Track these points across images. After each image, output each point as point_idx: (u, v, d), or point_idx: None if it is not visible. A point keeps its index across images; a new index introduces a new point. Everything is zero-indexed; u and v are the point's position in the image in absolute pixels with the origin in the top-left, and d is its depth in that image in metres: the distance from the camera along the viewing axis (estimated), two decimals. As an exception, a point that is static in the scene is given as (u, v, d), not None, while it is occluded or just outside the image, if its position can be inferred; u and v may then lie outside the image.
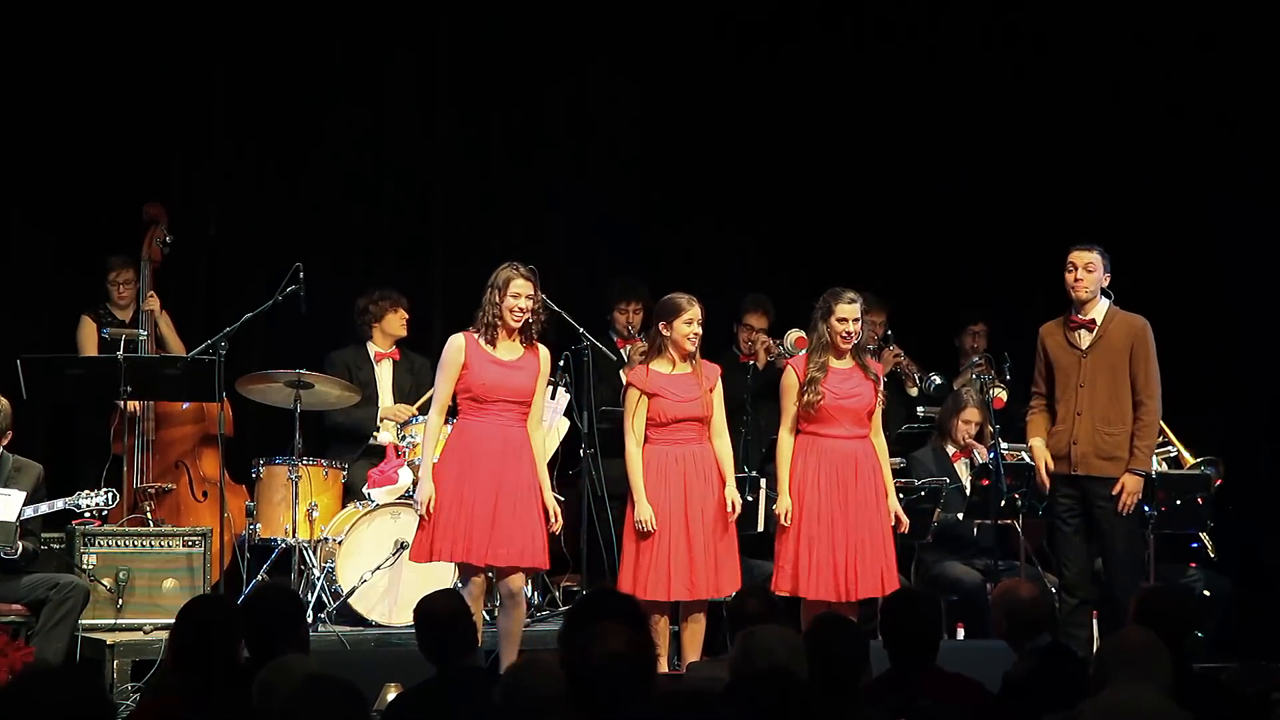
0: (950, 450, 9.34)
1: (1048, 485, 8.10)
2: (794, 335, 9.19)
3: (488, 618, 7.90)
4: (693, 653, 7.73)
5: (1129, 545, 8.05)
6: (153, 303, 9.28)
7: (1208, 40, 10.34)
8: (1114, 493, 7.94)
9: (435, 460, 7.55)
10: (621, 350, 9.67)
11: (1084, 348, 8.08)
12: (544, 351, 7.63)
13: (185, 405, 9.14)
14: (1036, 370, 8.21)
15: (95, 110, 9.71)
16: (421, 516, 7.43)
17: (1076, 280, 8.05)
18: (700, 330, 7.79)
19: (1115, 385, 8.04)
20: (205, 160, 10.02)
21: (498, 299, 7.47)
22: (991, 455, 8.66)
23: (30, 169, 9.65)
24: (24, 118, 9.61)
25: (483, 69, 10.56)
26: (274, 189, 10.21)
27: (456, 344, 7.51)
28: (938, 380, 9.84)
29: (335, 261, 10.01)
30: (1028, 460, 8.37)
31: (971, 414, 9.30)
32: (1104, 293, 8.09)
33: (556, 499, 7.69)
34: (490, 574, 7.51)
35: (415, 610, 5.60)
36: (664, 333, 7.80)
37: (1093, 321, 8.08)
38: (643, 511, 7.66)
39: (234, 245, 10.05)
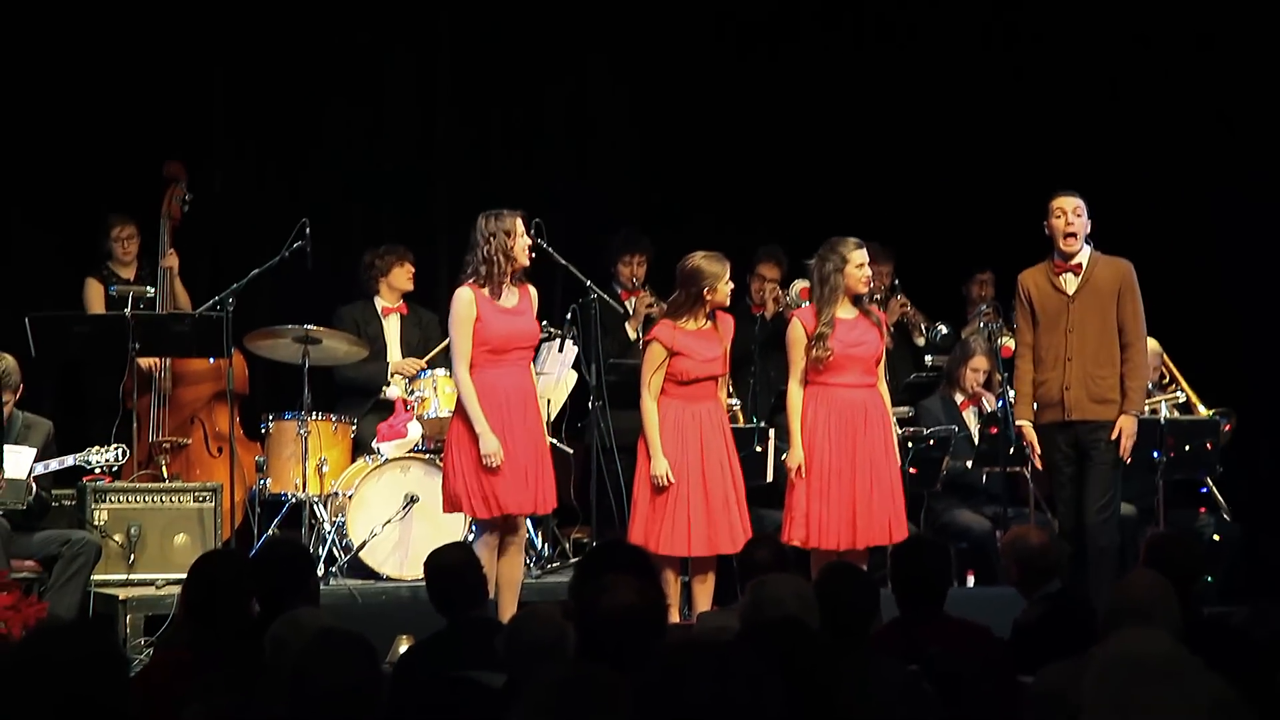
0: (959, 399, 9.34)
1: (1039, 462, 8.11)
2: (799, 285, 9.18)
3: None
4: (703, 604, 7.75)
5: (1112, 484, 8.03)
6: (171, 260, 9.29)
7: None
8: (1112, 437, 7.94)
9: (465, 417, 7.51)
10: (626, 303, 9.66)
11: (1070, 293, 8.06)
12: (531, 288, 7.69)
13: (211, 361, 9.14)
14: (1019, 316, 8.17)
15: (101, 93, 9.71)
16: (481, 470, 7.41)
17: (1068, 225, 8.04)
18: (730, 289, 7.81)
19: (1104, 329, 8.03)
20: (205, 159, 9.98)
21: (509, 243, 7.50)
22: (1000, 404, 8.65)
23: (34, 131, 9.64)
24: (29, 107, 9.60)
25: (483, 67, 10.54)
26: (274, 189, 10.18)
27: (466, 297, 7.52)
28: (944, 330, 9.83)
29: (340, 221, 10.01)
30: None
31: (979, 362, 9.30)
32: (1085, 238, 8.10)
33: (565, 449, 7.73)
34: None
35: (425, 563, 5.62)
36: (706, 298, 7.75)
37: (1079, 265, 8.07)
38: (659, 465, 7.67)
39: (241, 202, 10.05)
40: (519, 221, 7.56)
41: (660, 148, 10.83)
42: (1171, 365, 9.37)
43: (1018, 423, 8.14)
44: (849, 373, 7.82)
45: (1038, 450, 8.10)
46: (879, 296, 9.09)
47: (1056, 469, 8.10)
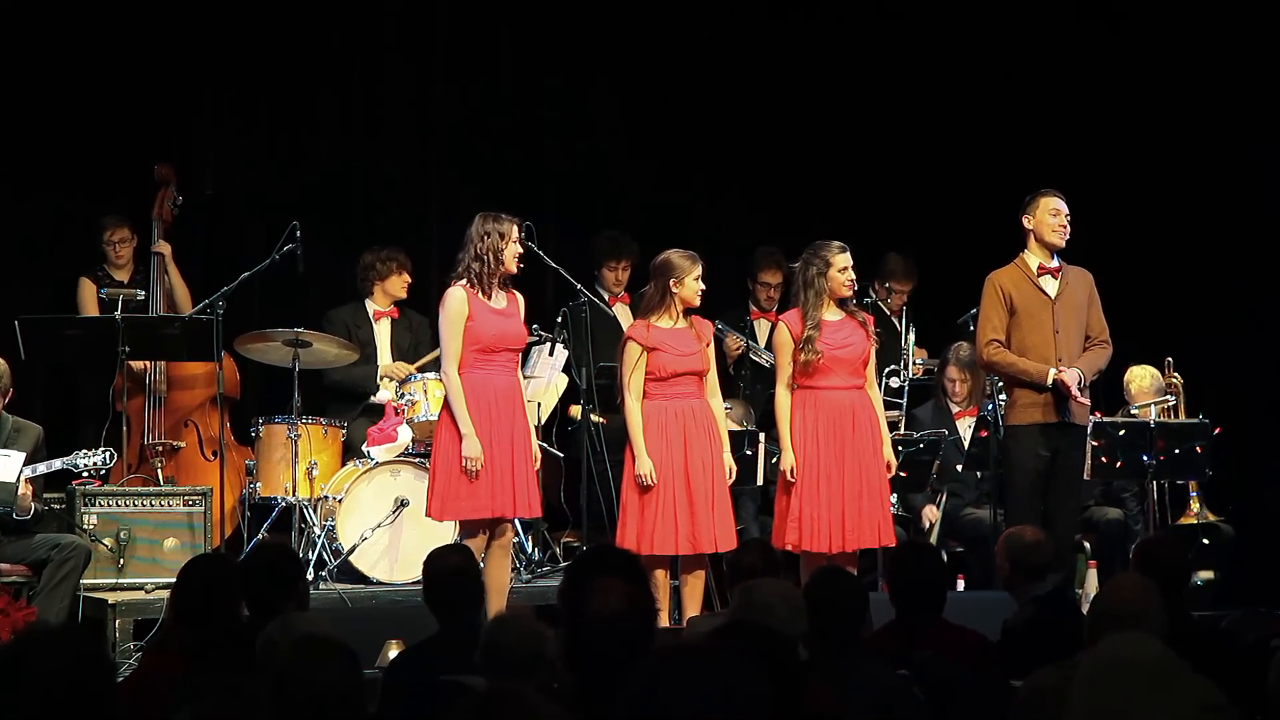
0: (953, 409, 9.35)
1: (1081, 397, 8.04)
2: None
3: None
4: (693, 607, 7.76)
5: (1079, 489, 8.20)
6: (164, 247, 9.28)
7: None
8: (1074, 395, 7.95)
9: (451, 416, 7.52)
10: (611, 308, 9.67)
11: (1052, 295, 8.09)
12: (519, 296, 7.69)
13: (205, 366, 9.13)
14: (994, 315, 8.09)
15: (92, 96, 9.69)
16: (463, 473, 7.41)
17: (1063, 225, 8.08)
18: (702, 287, 7.80)
19: (1080, 332, 8.12)
20: (198, 120, 10.00)
21: (500, 246, 7.50)
22: (990, 406, 8.65)
23: (26, 133, 9.64)
24: (19, 82, 9.59)
25: (476, 68, 10.55)
26: (264, 191, 10.15)
27: (458, 296, 7.52)
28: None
29: (331, 224, 10.00)
30: None
31: (953, 372, 9.34)
32: None
33: (555, 453, 7.72)
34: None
35: (425, 564, 5.61)
36: (673, 290, 7.79)
37: (1057, 269, 8.12)
38: (643, 465, 7.67)
39: (232, 204, 10.04)
40: (514, 228, 7.56)
41: (658, 119, 10.80)
42: (1176, 379, 9.34)
43: (1050, 374, 8.02)
44: (836, 375, 7.83)
45: (1075, 393, 8.02)
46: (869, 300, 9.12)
47: (1025, 470, 8.06)
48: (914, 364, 9.85)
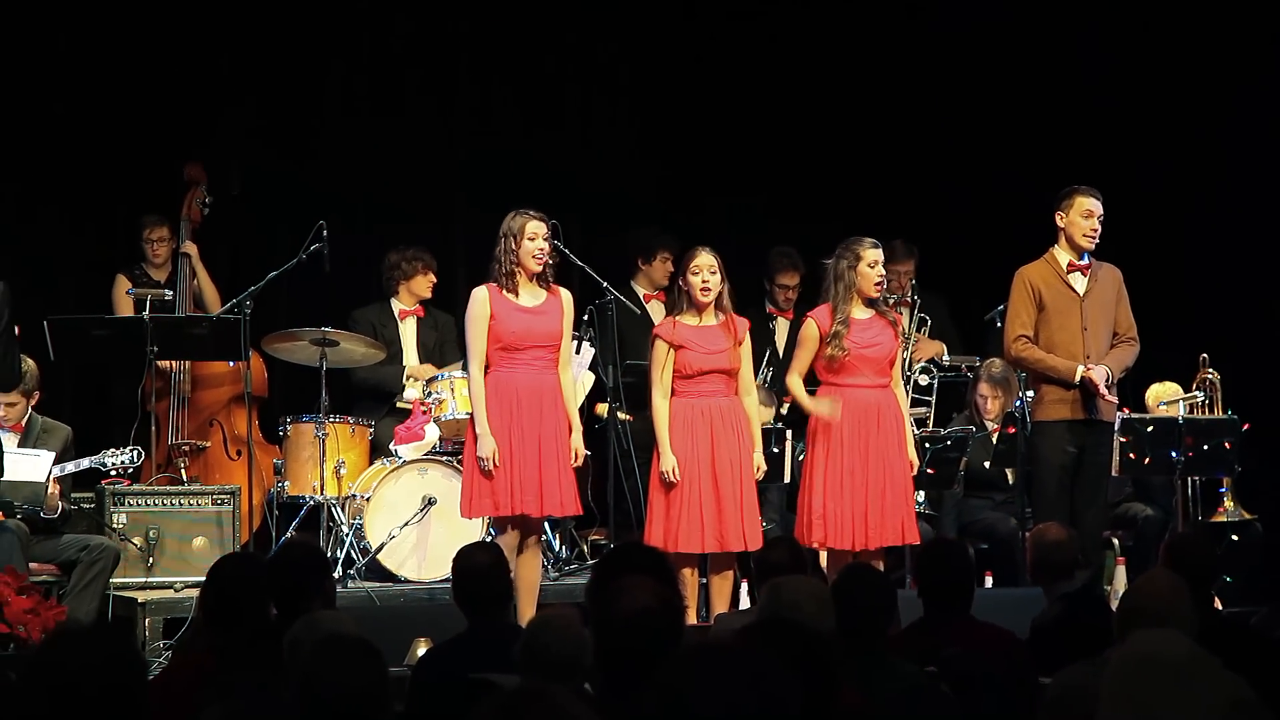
0: (989, 426, 9.26)
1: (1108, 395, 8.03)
2: None
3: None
4: (721, 606, 7.75)
5: (1105, 487, 8.20)
6: (190, 248, 9.31)
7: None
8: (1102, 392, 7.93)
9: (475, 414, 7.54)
10: (648, 305, 9.67)
11: (1081, 292, 8.08)
12: (566, 293, 7.67)
13: (231, 364, 9.16)
14: (1023, 311, 8.10)
15: (123, 96, 9.74)
16: (483, 471, 7.43)
17: (1094, 229, 8.06)
18: (709, 280, 7.74)
19: (1108, 329, 8.14)
20: (224, 121, 10.04)
21: (514, 245, 7.50)
22: (1018, 404, 8.64)
23: (55, 135, 9.67)
24: (47, 84, 9.63)
25: (499, 65, 10.57)
26: (297, 153, 10.18)
27: (481, 297, 7.53)
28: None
29: (357, 223, 10.02)
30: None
31: (984, 389, 9.29)
32: None
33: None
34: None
35: (454, 561, 5.61)
36: (681, 285, 7.81)
37: (1087, 266, 8.10)
38: (666, 461, 7.67)
39: (258, 204, 10.07)
40: (532, 224, 7.53)
41: (677, 104, 10.80)
42: (1212, 374, 9.31)
43: (1078, 370, 8.01)
44: (862, 374, 7.83)
45: (1103, 390, 8.02)
46: (894, 298, 9.08)
47: (1053, 467, 8.05)
48: (932, 356, 9.82)
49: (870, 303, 7.88)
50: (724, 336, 7.79)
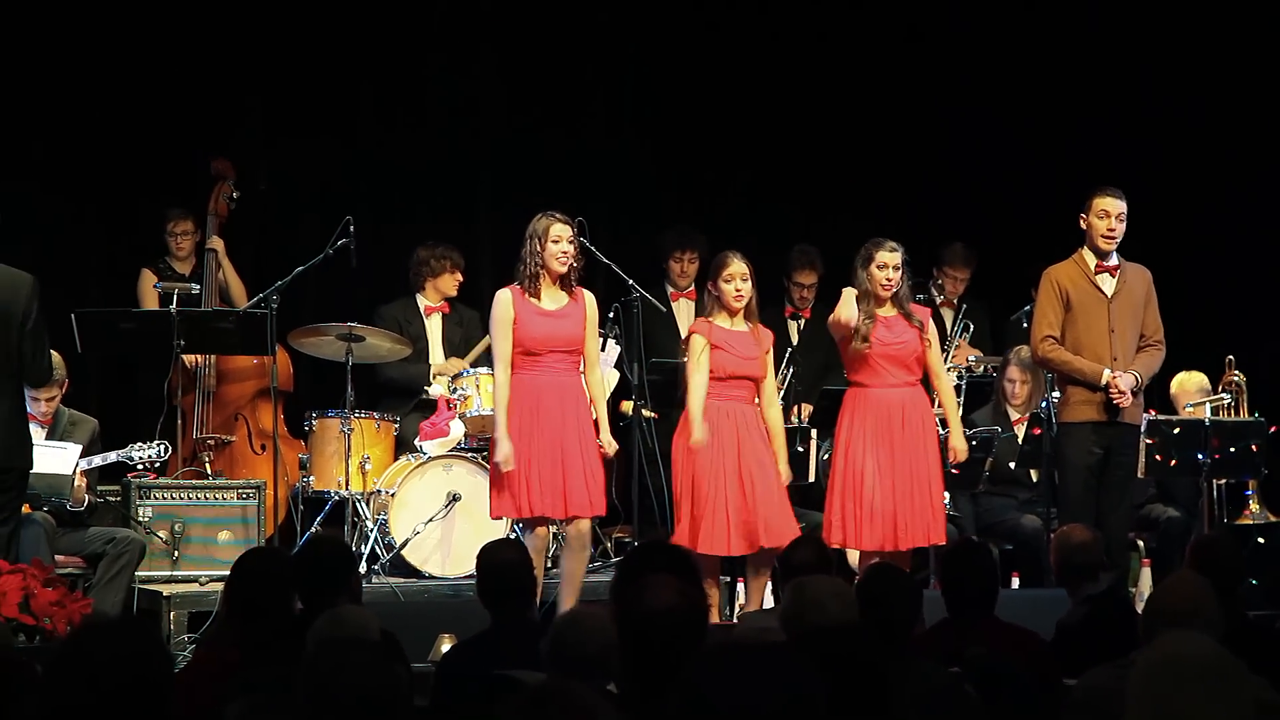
0: (1013, 415, 9.25)
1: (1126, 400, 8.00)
2: None
3: (549, 563, 8.00)
4: (755, 603, 7.74)
5: (1130, 489, 8.21)
6: (216, 243, 9.32)
7: None
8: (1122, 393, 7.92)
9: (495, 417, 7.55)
10: (674, 303, 9.66)
11: (1109, 294, 8.06)
12: (588, 296, 7.67)
13: (255, 360, 9.18)
14: (1050, 311, 8.10)
15: (148, 68, 9.76)
16: (504, 474, 7.44)
17: (1110, 230, 8.03)
18: (741, 287, 7.75)
19: (1135, 332, 8.12)
20: (250, 116, 10.06)
21: (539, 248, 7.51)
22: (1044, 405, 8.61)
23: (82, 129, 9.71)
24: (75, 78, 9.66)
25: (526, 61, 10.56)
26: (324, 148, 10.20)
27: (504, 299, 7.54)
28: None
29: (384, 218, 10.03)
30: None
31: (1014, 373, 9.25)
32: None
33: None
34: (553, 522, 7.61)
35: (478, 558, 5.63)
36: (711, 290, 7.81)
37: (1114, 268, 8.08)
38: (697, 431, 7.63)
39: (285, 199, 10.09)
40: (556, 226, 7.53)
41: (706, 100, 10.78)
42: (1238, 377, 9.27)
43: (1104, 374, 7.99)
44: (887, 373, 7.82)
45: (1126, 394, 7.99)
46: (922, 297, 9.07)
47: (1078, 468, 8.04)
48: (964, 364, 9.79)
49: (896, 302, 7.88)
50: (754, 344, 7.79)
